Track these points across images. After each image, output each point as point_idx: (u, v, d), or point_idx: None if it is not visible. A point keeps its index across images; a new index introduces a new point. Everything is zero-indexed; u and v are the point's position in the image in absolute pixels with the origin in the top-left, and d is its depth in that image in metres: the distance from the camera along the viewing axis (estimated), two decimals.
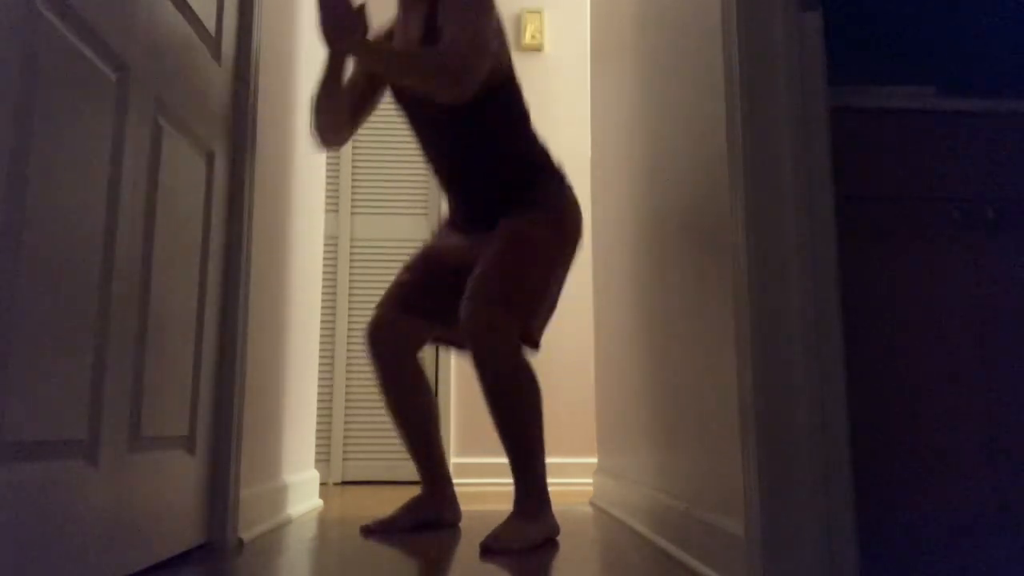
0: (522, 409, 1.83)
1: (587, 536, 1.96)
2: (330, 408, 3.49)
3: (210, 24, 1.66)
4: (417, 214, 3.66)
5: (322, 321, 3.47)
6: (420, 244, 3.58)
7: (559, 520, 1.89)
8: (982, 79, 1.87)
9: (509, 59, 1.98)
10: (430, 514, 2.04)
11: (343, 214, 3.64)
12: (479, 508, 2.42)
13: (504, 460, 3.27)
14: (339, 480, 3.43)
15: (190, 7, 1.53)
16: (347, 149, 3.68)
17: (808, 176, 1.31)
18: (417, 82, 1.79)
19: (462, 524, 2.08)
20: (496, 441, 3.31)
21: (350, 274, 3.61)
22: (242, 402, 1.76)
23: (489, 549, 1.69)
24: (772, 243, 1.29)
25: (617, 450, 2.41)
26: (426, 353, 3.45)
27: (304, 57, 2.50)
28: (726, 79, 1.38)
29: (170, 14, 1.44)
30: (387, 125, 3.72)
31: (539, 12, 3.75)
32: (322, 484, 3.31)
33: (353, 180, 3.68)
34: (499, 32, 1.94)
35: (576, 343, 3.24)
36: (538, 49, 3.73)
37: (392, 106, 3.65)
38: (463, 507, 2.16)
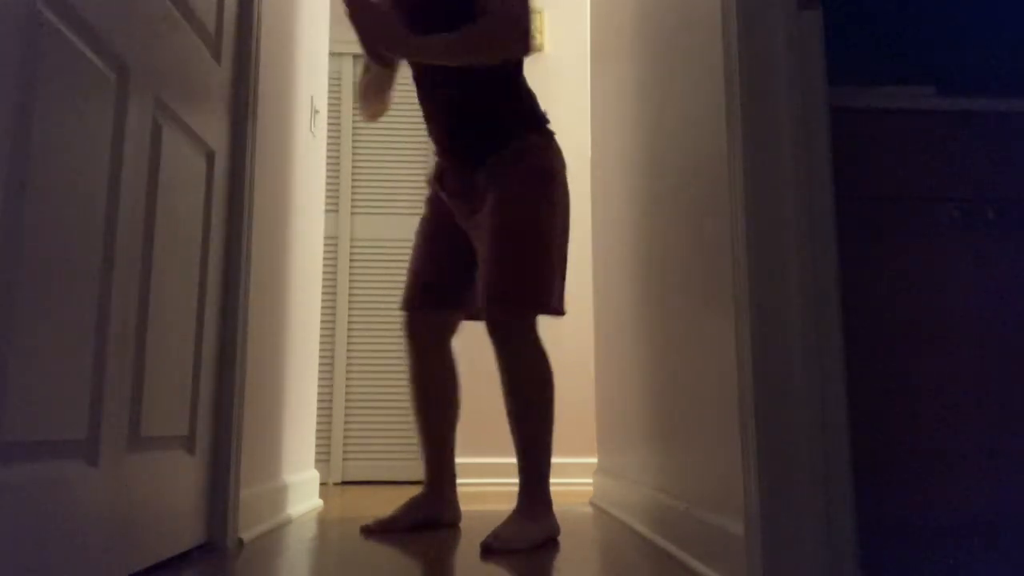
0: (537, 407, 1.88)
1: (587, 536, 1.96)
2: (330, 408, 3.48)
3: (210, 24, 1.66)
4: (417, 214, 3.62)
5: (322, 321, 3.47)
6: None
7: (559, 520, 1.89)
8: (982, 79, 1.87)
9: None
10: (430, 514, 2.04)
11: (343, 214, 3.63)
12: (479, 508, 2.42)
13: (504, 460, 3.27)
14: (339, 480, 3.43)
15: (190, 7, 1.53)
16: (347, 149, 3.68)
17: (808, 176, 1.31)
18: (481, 59, 1.91)
19: (462, 524, 2.08)
20: (496, 441, 3.31)
21: (350, 274, 3.61)
22: (242, 402, 1.76)
23: (490, 549, 1.69)
24: (772, 243, 1.29)
25: (617, 450, 2.41)
26: None
27: (304, 57, 2.50)
28: (726, 79, 1.37)
29: (170, 14, 1.44)
30: (387, 125, 3.71)
31: (539, 12, 3.75)
32: (322, 484, 3.31)
33: (353, 180, 3.68)
34: None
35: (576, 343, 3.24)
36: (538, 49, 3.73)
37: (393, 105, 3.64)
38: (463, 507, 2.16)
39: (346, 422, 3.49)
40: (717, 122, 1.45)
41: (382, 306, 3.57)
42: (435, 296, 2.05)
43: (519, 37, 1.88)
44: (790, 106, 1.32)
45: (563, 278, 1.96)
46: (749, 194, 1.30)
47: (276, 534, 1.92)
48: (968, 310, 1.45)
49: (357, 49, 3.66)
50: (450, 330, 2.10)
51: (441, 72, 1.96)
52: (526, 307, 1.88)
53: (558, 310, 1.92)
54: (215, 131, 1.68)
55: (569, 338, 3.37)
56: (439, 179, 2.08)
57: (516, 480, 1.92)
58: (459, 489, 2.15)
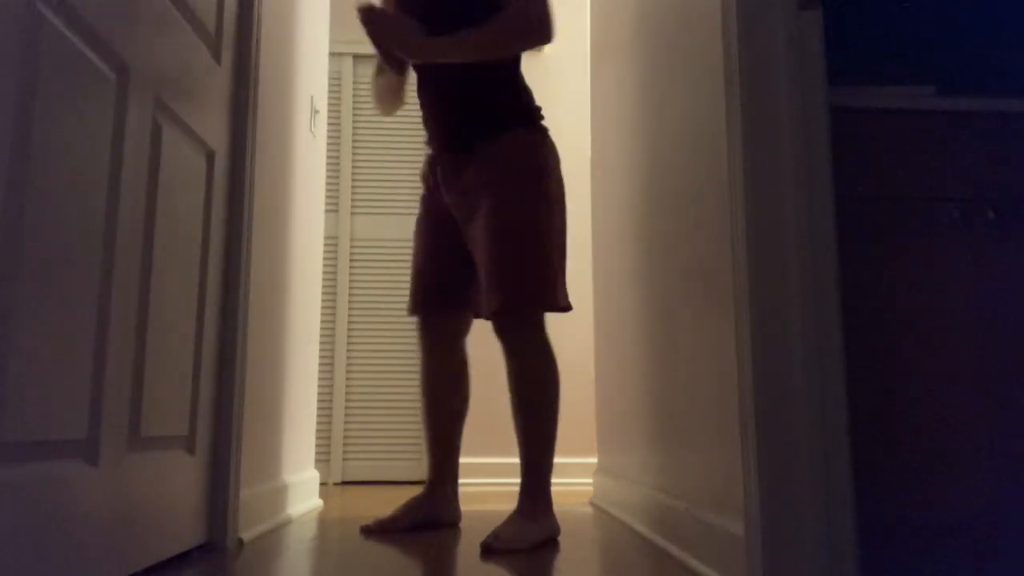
0: (543, 408, 1.90)
1: (587, 536, 1.96)
2: (330, 408, 3.48)
3: (210, 24, 1.66)
4: (417, 214, 3.66)
5: (322, 321, 3.47)
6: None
7: (559, 520, 1.90)
8: (982, 79, 1.87)
9: None
10: (430, 514, 2.04)
11: (343, 214, 3.63)
12: (479, 508, 2.42)
13: (504, 460, 3.28)
14: (339, 480, 3.43)
15: (190, 7, 1.53)
16: (347, 149, 3.68)
17: (808, 176, 1.31)
18: (503, 53, 1.95)
19: (462, 524, 2.08)
20: (497, 441, 3.31)
21: (350, 274, 3.61)
22: (242, 402, 1.76)
23: (490, 548, 1.69)
24: (772, 243, 1.29)
25: (617, 450, 2.41)
26: None
27: (304, 57, 2.50)
28: (726, 79, 1.37)
29: (170, 14, 1.44)
30: (387, 125, 3.71)
31: None
32: (322, 484, 3.31)
33: (353, 180, 3.67)
34: None
35: (576, 343, 3.24)
36: (538, 49, 3.73)
37: None
38: (463, 507, 2.16)
39: (346, 422, 3.49)
40: (717, 122, 1.45)
41: (382, 306, 3.57)
42: (440, 298, 2.05)
43: (540, 28, 1.91)
44: (790, 106, 1.32)
45: (564, 274, 1.96)
46: (749, 194, 1.30)
47: (276, 534, 1.92)
48: (968, 310, 1.45)
49: (357, 49, 3.69)
50: (461, 330, 2.11)
51: (444, 64, 1.97)
52: (534, 306, 1.89)
53: (565, 307, 1.93)
54: (215, 131, 1.68)
55: (569, 338, 3.37)
56: (431, 171, 2.08)
57: (516, 480, 1.93)
58: (460, 489, 2.15)
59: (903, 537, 1.39)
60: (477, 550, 1.70)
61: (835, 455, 1.24)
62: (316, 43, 2.70)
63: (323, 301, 3.47)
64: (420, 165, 3.64)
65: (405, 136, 3.67)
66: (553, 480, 1.93)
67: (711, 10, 1.49)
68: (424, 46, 1.90)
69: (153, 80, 1.36)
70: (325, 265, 3.52)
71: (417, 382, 3.50)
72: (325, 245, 3.54)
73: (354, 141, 3.70)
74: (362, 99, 3.73)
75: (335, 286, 3.58)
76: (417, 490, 2.16)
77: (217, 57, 1.71)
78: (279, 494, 2.11)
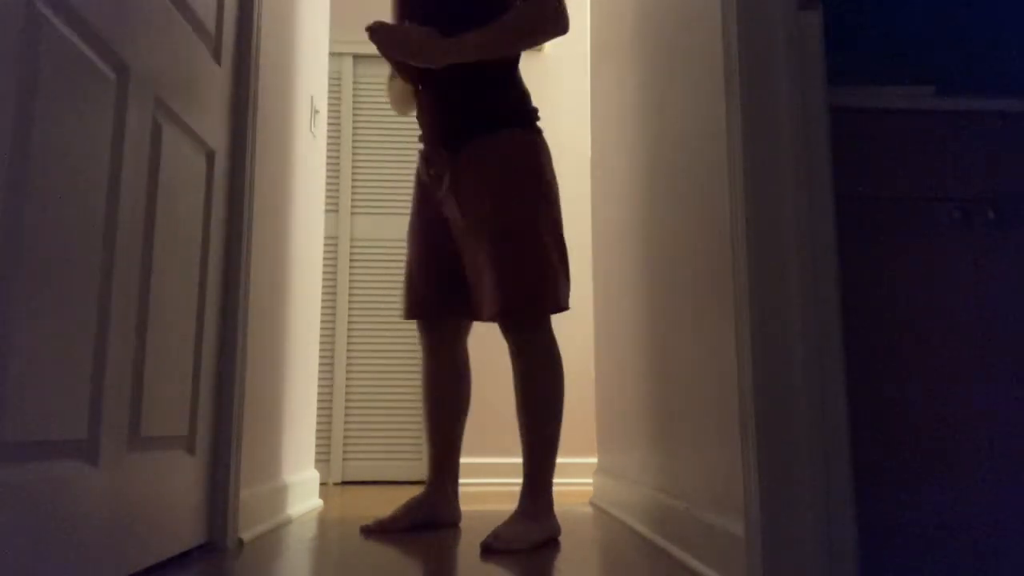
0: (548, 409, 1.90)
1: (587, 536, 1.96)
2: (330, 408, 3.48)
3: (210, 24, 1.66)
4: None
5: (322, 321, 3.47)
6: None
7: (559, 520, 1.90)
8: (982, 79, 1.87)
9: None
10: (430, 514, 2.04)
11: (343, 214, 3.63)
12: (480, 508, 2.42)
13: (504, 460, 3.28)
14: (339, 480, 3.43)
15: (190, 7, 1.53)
16: (347, 149, 3.68)
17: (808, 176, 1.31)
18: (519, 49, 1.97)
19: (462, 524, 2.08)
20: (497, 441, 3.31)
21: (350, 274, 3.61)
22: (242, 402, 1.76)
23: (490, 548, 1.69)
24: (772, 243, 1.29)
25: (617, 450, 2.41)
26: None
27: (304, 57, 2.50)
28: (726, 79, 1.37)
29: (170, 14, 1.44)
30: (387, 125, 3.72)
31: None
32: (322, 484, 3.31)
33: (353, 180, 3.68)
34: None
35: (576, 343, 3.24)
36: (538, 49, 3.73)
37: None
38: (463, 507, 2.16)
39: (346, 422, 3.49)
40: (717, 122, 1.45)
41: (382, 306, 3.58)
42: (440, 298, 2.04)
43: (558, 19, 1.93)
44: (790, 106, 1.32)
45: (568, 273, 1.97)
46: (749, 194, 1.30)
47: (276, 534, 1.92)
48: (968, 310, 1.46)
49: (357, 49, 3.69)
50: (462, 331, 2.11)
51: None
52: (536, 307, 1.89)
53: (565, 305, 1.94)
54: (215, 131, 1.68)
55: (569, 338, 3.37)
56: (425, 167, 2.07)
57: (516, 480, 1.93)
58: (460, 489, 2.15)
59: (903, 537, 1.39)
60: (477, 550, 1.70)
61: (835, 455, 1.24)
62: (316, 43, 2.70)
63: (323, 301, 3.48)
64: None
65: (405, 136, 3.67)
66: (553, 480, 1.93)
67: (711, 10, 1.49)
68: (441, 52, 1.89)
69: (153, 80, 1.36)
70: (325, 265, 3.52)
71: (417, 382, 3.50)
72: (325, 245, 3.54)
73: (354, 141, 3.70)
74: (362, 99, 3.74)
75: (335, 286, 3.58)
76: (417, 490, 2.16)
77: (217, 57, 1.71)
78: (279, 494, 2.11)
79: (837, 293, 1.28)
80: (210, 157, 1.67)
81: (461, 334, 2.11)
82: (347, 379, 3.52)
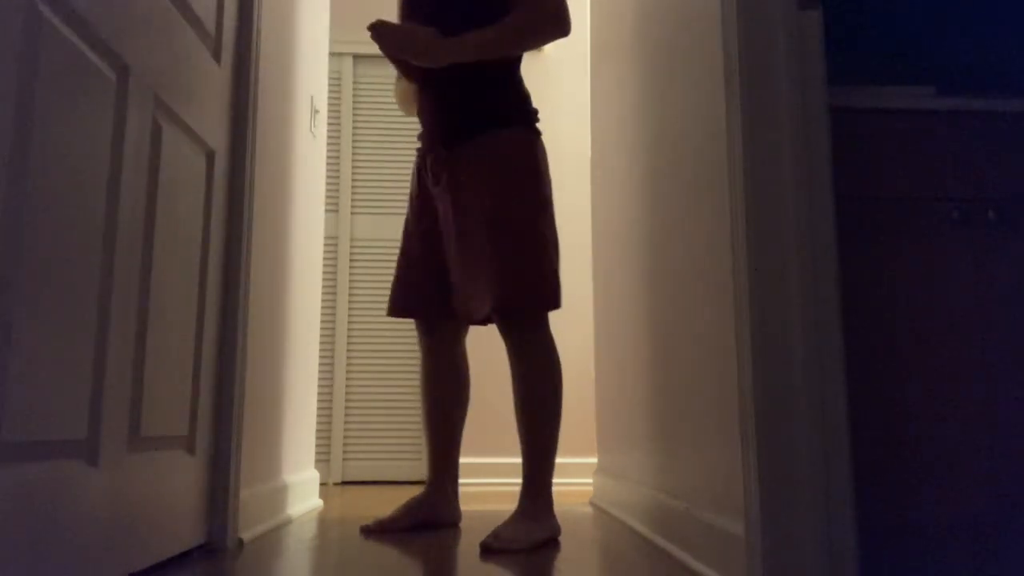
0: (547, 409, 1.90)
1: (587, 536, 1.96)
2: (330, 408, 3.49)
3: (210, 24, 1.66)
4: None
5: (322, 321, 3.47)
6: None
7: (559, 520, 1.90)
8: (982, 79, 1.87)
9: None
10: (430, 514, 2.04)
11: (343, 214, 3.64)
12: (479, 508, 2.42)
13: (504, 460, 3.28)
14: (339, 480, 3.43)
15: (190, 7, 1.53)
16: (347, 149, 3.68)
17: (808, 176, 1.31)
18: (521, 50, 1.97)
19: (462, 524, 2.08)
20: (498, 441, 3.31)
21: (350, 274, 3.61)
22: (242, 402, 1.76)
23: (490, 548, 1.69)
24: (772, 243, 1.29)
25: (617, 450, 2.41)
26: None
27: (304, 57, 2.50)
28: (726, 79, 1.37)
29: (170, 14, 1.44)
30: (387, 125, 3.72)
31: None
32: (322, 484, 3.31)
33: (353, 180, 3.68)
34: None
35: (576, 343, 3.24)
36: (539, 50, 3.73)
37: (393, 105, 3.65)
38: (463, 507, 2.16)
39: (346, 422, 3.49)
40: (717, 122, 1.45)
41: (382, 306, 3.57)
42: (440, 298, 2.04)
43: (560, 21, 1.94)
44: (790, 106, 1.32)
45: (558, 273, 1.98)
46: (749, 194, 1.30)
47: (276, 534, 1.92)
48: (968, 310, 1.45)
49: (357, 49, 3.69)
50: (461, 331, 2.11)
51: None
52: (535, 306, 1.90)
53: (560, 303, 1.95)
54: (215, 131, 1.68)
55: (569, 338, 3.37)
56: (422, 165, 2.07)
57: (516, 480, 1.93)
58: (460, 489, 2.15)
59: (903, 537, 1.39)
60: (477, 550, 1.70)
61: (835, 455, 1.24)
62: (316, 43, 2.70)
63: (323, 301, 3.48)
64: None
65: (405, 136, 3.67)
66: (553, 480, 1.93)
67: (711, 10, 1.49)
68: (443, 52, 1.89)
69: (153, 80, 1.36)
70: (325, 265, 3.52)
71: (417, 382, 3.50)
72: (325, 245, 3.54)
73: (354, 141, 3.70)
74: (362, 99, 3.74)
75: (335, 286, 3.58)
76: (417, 490, 2.16)
77: (217, 57, 1.71)
78: (279, 494, 2.11)
79: (837, 293, 1.28)
80: (210, 157, 1.67)
81: (460, 334, 2.11)
82: (347, 379, 3.52)
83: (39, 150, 1.01)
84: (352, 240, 3.63)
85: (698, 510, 1.55)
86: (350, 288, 3.60)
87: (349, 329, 3.56)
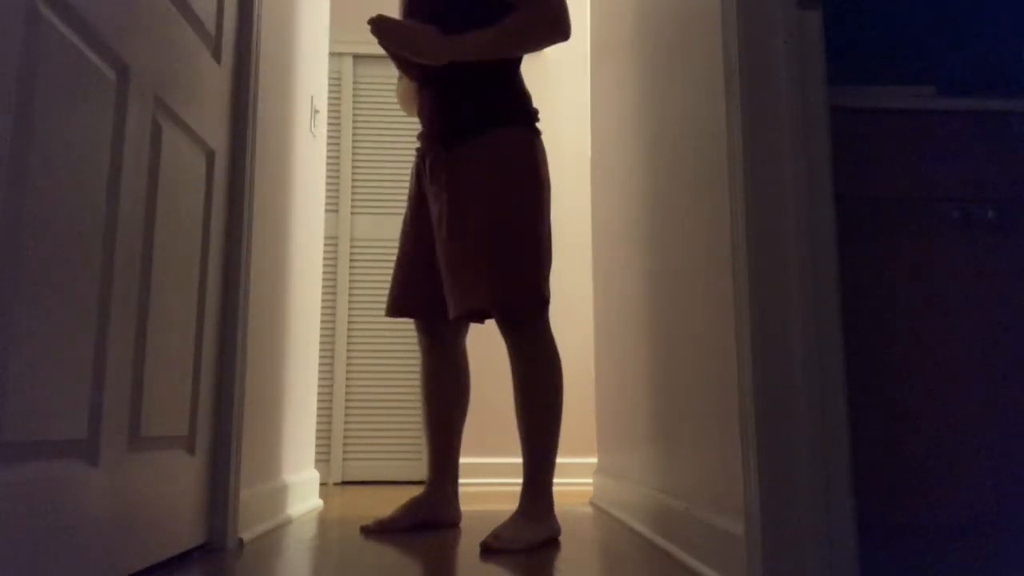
0: (547, 408, 1.90)
1: (587, 536, 1.96)
2: (330, 408, 3.48)
3: (210, 24, 1.66)
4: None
5: (322, 321, 3.47)
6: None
7: (559, 520, 1.90)
8: (982, 79, 1.87)
9: None
10: (430, 514, 2.04)
11: (343, 214, 3.64)
12: (480, 508, 2.42)
13: (504, 460, 3.28)
14: (339, 480, 3.43)
15: (190, 7, 1.53)
16: (347, 149, 3.68)
17: (808, 176, 1.31)
18: (520, 52, 1.98)
19: (462, 524, 2.08)
20: (498, 441, 3.31)
21: (350, 274, 3.61)
22: (242, 402, 1.76)
23: (490, 549, 1.69)
24: (772, 243, 1.29)
25: (617, 450, 2.41)
26: None
27: (304, 57, 2.50)
28: (726, 79, 1.37)
29: (170, 14, 1.44)
30: (387, 125, 3.72)
31: None
32: (322, 484, 3.31)
33: (353, 180, 3.68)
34: None
35: (576, 343, 3.24)
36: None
37: (393, 105, 3.65)
38: (463, 507, 2.16)
39: (346, 422, 3.49)
40: (717, 122, 1.45)
41: (382, 306, 3.57)
42: (430, 306, 2.03)
43: (560, 25, 1.94)
44: (790, 106, 1.32)
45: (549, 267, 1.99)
46: (749, 194, 1.30)
47: (276, 534, 1.92)
48: (968, 310, 1.45)
49: (357, 49, 3.69)
50: (460, 330, 2.11)
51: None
52: (541, 303, 1.90)
53: (548, 299, 1.95)
54: (215, 131, 1.68)
55: (569, 338, 3.37)
56: (421, 163, 2.06)
57: (516, 480, 1.93)
58: (460, 489, 2.15)
59: (903, 537, 1.39)
60: (477, 550, 1.70)
61: (835, 455, 1.24)
62: (316, 43, 2.70)
63: (323, 301, 3.48)
64: None
65: (405, 136, 3.67)
66: (554, 480, 1.93)
67: (711, 10, 1.49)
68: (442, 50, 1.89)
69: (153, 80, 1.36)
70: (325, 265, 3.52)
71: (417, 382, 3.50)
72: (325, 245, 3.54)
73: (354, 141, 3.70)
74: (362, 99, 3.74)
75: (335, 286, 3.58)
76: (417, 490, 2.16)
77: (217, 57, 1.71)
78: (279, 494, 2.11)
79: (837, 293, 1.28)
80: (210, 157, 1.67)
81: (459, 334, 2.11)
82: (347, 379, 3.52)
83: (39, 150, 1.01)
84: (352, 240, 3.63)
85: (698, 510, 1.55)
86: (350, 288, 3.60)
87: (349, 329, 3.56)
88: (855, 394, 1.39)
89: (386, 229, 3.62)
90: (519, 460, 1.92)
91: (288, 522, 2.13)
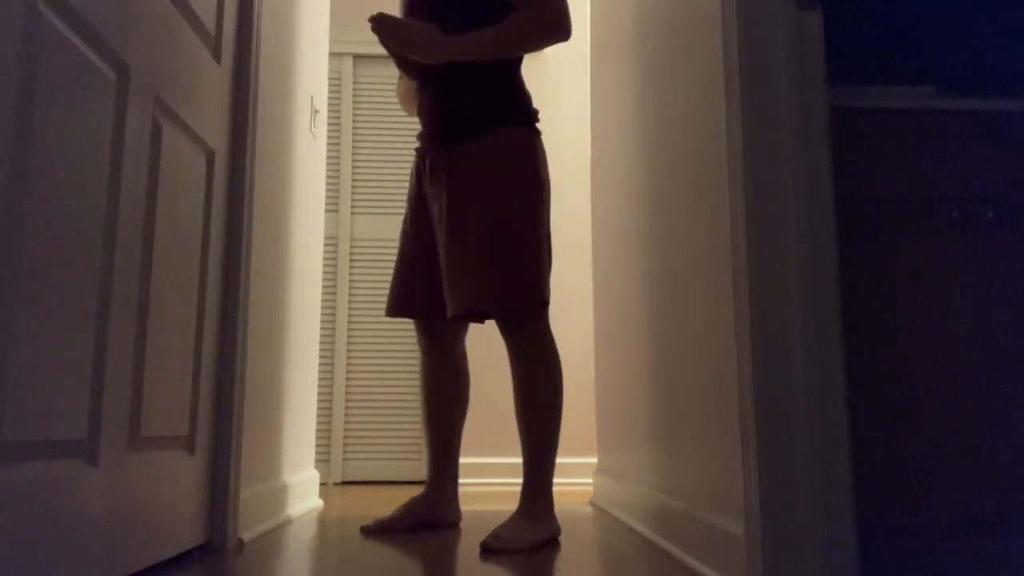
0: (547, 409, 1.90)
1: (587, 536, 1.96)
2: (330, 408, 3.48)
3: (210, 24, 1.66)
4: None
5: (322, 321, 3.47)
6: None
7: (559, 520, 1.90)
8: (982, 79, 1.87)
9: None
10: (430, 514, 2.04)
11: (343, 214, 3.64)
12: (480, 508, 2.42)
13: (505, 460, 3.28)
14: (339, 480, 3.43)
15: (190, 7, 1.53)
16: (347, 149, 3.68)
17: (808, 176, 1.31)
18: (521, 52, 1.98)
19: (462, 524, 2.08)
20: (498, 441, 3.31)
21: (350, 274, 3.61)
22: (242, 402, 1.76)
23: (490, 549, 1.69)
24: (772, 243, 1.29)
25: (617, 450, 2.41)
26: None
27: (304, 57, 2.50)
28: (726, 79, 1.37)
29: (170, 14, 1.44)
30: (387, 125, 3.72)
31: None
32: (322, 484, 3.31)
33: (353, 180, 3.68)
34: None
35: (576, 343, 3.24)
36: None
37: (393, 105, 3.65)
38: (463, 507, 2.16)
39: (346, 422, 3.49)
40: (717, 122, 1.45)
41: (382, 306, 3.56)
42: (430, 306, 2.04)
43: (560, 26, 1.95)
44: (790, 106, 1.32)
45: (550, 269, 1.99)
46: (749, 194, 1.30)
47: (276, 534, 1.92)
48: (968, 310, 1.45)
49: (357, 49, 3.69)
50: (460, 330, 2.11)
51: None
52: (541, 303, 1.90)
53: (548, 300, 1.95)
54: (215, 131, 1.68)
55: (569, 338, 3.37)
56: (421, 163, 2.06)
57: (516, 480, 1.93)
58: (460, 489, 2.15)
59: (903, 537, 1.39)
60: (477, 550, 1.70)
61: (835, 455, 1.24)
62: (316, 43, 2.70)
63: (323, 301, 3.48)
64: None
65: (405, 136, 3.67)
66: (554, 480, 1.93)
67: (711, 10, 1.49)
68: (442, 49, 1.89)
69: (153, 80, 1.36)
70: (325, 265, 3.52)
71: (417, 382, 3.50)
72: (325, 245, 3.54)
73: (354, 141, 3.70)
74: (362, 99, 3.74)
75: (335, 286, 3.58)
76: (417, 490, 2.16)
77: (217, 57, 1.71)
78: (279, 494, 2.11)
79: (837, 293, 1.28)
80: (210, 157, 1.67)
81: (459, 334, 2.11)
82: (347, 379, 3.52)
83: (39, 150, 1.01)
84: (352, 240, 3.63)
85: (698, 510, 1.55)
86: (350, 288, 3.60)
87: (349, 329, 3.56)
88: (855, 394, 1.39)
89: (386, 229, 3.62)
90: (519, 460, 1.92)
91: (288, 522, 2.13)
